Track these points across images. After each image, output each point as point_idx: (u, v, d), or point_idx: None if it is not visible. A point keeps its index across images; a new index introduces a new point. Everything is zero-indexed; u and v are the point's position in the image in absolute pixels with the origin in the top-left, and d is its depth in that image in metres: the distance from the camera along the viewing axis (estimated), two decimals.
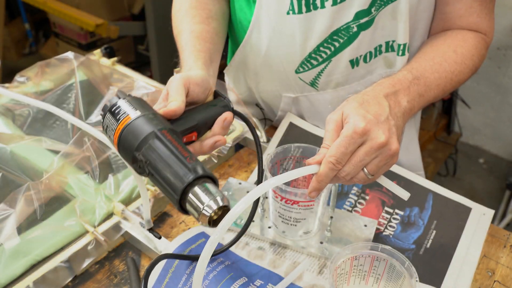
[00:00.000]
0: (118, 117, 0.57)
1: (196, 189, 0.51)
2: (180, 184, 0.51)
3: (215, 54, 0.80)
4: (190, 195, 0.51)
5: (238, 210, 0.50)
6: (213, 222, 0.51)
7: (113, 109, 0.58)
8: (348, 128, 0.60)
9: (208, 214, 0.50)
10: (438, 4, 0.84)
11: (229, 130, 0.93)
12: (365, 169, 0.61)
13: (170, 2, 0.90)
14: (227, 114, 0.64)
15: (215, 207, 0.50)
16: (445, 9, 0.84)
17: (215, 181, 0.53)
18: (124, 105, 0.58)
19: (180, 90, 0.62)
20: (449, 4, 0.83)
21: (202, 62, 0.74)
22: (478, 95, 2.55)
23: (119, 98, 0.60)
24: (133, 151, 0.55)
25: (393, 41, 0.84)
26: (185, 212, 0.52)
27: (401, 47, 0.83)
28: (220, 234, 0.50)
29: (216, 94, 0.68)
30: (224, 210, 0.51)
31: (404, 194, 0.63)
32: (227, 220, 0.50)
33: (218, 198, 0.50)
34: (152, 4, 2.35)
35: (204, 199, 0.50)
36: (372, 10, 0.80)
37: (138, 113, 0.57)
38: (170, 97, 0.62)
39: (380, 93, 0.65)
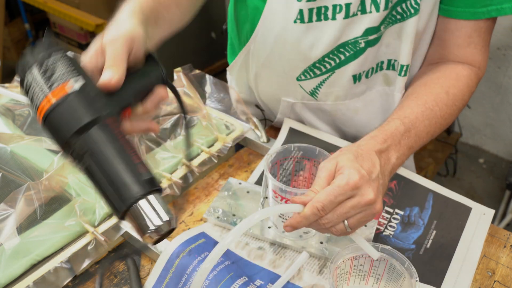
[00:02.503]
0: (52, 79, 0.45)
1: (143, 203, 0.44)
2: (128, 197, 0.43)
3: (163, 21, 0.71)
4: (135, 209, 0.44)
5: (227, 243, 0.52)
6: (157, 240, 0.46)
7: (44, 63, 0.45)
8: (341, 179, 0.60)
9: (154, 238, 0.45)
10: (437, 30, 0.85)
11: (228, 131, 0.93)
12: (346, 221, 0.61)
13: None
14: (163, 92, 0.57)
15: (159, 223, 0.44)
16: (444, 36, 0.84)
17: (160, 191, 0.47)
18: (62, 64, 0.46)
19: (121, 57, 0.53)
20: (449, 31, 0.83)
21: (141, 19, 0.62)
22: (478, 95, 2.55)
23: (53, 49, 0.47)
24: (67, 135, 0.44)
25: (395, 61, 0.85)
26: (123, 219, 0.45)
27: (404, 68, 0.84)
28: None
29: (149, 56, 0.58)
30: (170, 228, 0.45)
31: (375, 254, 0.63)
32: (217, 252, 0.51)
33: (163, 215, 0.45)
34: None
35: (151, 218, 0.44)
36: (381, 27, 0.80)
37: (79, 82, 0.45)
38: (108, 63, 0.52)
39: (373, 148, 0.66)
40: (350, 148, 0.66)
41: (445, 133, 2.72)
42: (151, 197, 0.44)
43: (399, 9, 0.79)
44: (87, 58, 0.54)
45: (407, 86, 0.87)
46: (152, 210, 0.44)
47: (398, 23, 0.80)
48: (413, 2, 0.77)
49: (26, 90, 0.47)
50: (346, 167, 0.61)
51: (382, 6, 0.77)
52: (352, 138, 0.96)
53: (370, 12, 0.77)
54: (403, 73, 0.85)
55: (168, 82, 0.57)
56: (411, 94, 0.80)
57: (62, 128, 0.44)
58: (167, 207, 0.45)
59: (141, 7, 0.65)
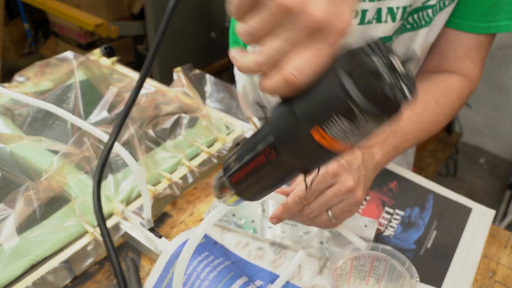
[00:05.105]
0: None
1: None
2: None
3: None
4: None
5: (203, 229, 0.52)
6: None
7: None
8: (321, 168, 0.61)
9: None
10: (438, 39, 0.85)
11: (228, 131, 0.93)
12: (329, 211, 0.62)
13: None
14: None
15: None
16: (443, 46, 0.84)
17: None
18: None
19: None
20: (449, 42, 0.83)
21: None
22: (479, 95, 2.55)
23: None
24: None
25: None
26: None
27: None
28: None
29: None
30: None
31: (362, 245, 0.64)
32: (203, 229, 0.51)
33: None
34: (152, 4, 2.35)
35: None
36: (393, 37, 0.80)
37: None
38: None
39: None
40: None
41: (445, 133, 2.72)
42: None
43: (410, 19, 0.79)
44: None
45: None
46: None
47: (408, 32, 0.80)
48: (426, 14, 0.77)
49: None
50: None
51: (398, 16, 0.76)
52: None
53: (386, 21, 0.77)
54: None
55: None
56: None
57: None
58: None
59: None
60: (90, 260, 0.70)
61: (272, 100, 0.99)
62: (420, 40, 0.80)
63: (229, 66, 1.18)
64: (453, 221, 0.79)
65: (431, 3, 0.77)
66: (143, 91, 0.97)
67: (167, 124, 0.91)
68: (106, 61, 1.10)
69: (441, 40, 0.84)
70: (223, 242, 0.73)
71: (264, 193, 0.45)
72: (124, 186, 0.79)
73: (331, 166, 0.61)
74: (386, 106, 0.34)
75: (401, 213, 0.81)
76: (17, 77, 1.02)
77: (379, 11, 0.76)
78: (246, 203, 0.79)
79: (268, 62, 0.36)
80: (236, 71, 1.07)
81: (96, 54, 1.12)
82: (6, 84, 1.00)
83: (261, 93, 1.00)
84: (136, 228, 0.74)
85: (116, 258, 0.61)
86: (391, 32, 0.78)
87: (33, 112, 0.94)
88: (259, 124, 0.95)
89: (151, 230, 0.73)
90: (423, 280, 0.70)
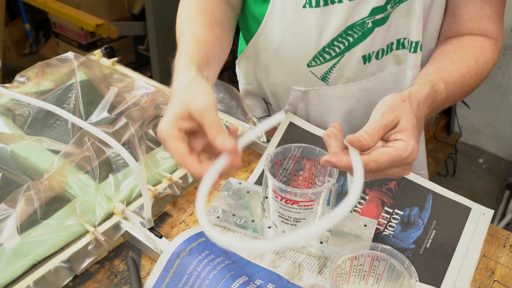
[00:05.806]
0: None
1: None
2: None
3: (213, 59, 0.77)
4: None
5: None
6: None
7: None
8: (405, 151, 0.61)
9: None
10: (449, 6, 0.85)
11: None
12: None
13: (170, 2, 0.90)
14: None
15: None
16: (456, 11, 0.85)
17: None
18: None
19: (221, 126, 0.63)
20: (460, 6, 0.84)
21: (197, 64, 0.70)
22: (478, 95, 2.55)
23: None
24: None
25: (405, 39, 0.86)
26: None
27: (413, 44, 0.85)
28: None
29: None
30: None
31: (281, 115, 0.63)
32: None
33: None
34: (152, 4, 2.35)
35: None
36: (388, 7, 0.81)
37: None
38: (217, 131, 0.62)
39: (423, 114, 0.68)
40: (412, 107, 0.66)
41: (444, 133, 2.73)
42: None
43: None
44: (175, 129, 0.61)
45: (423, 65, 0.86)
46: None
47: (405, 2, 0.81)
48: None
49: None
50: (410, 138, 0.61)
51: None
52: (356, 127, 0.97)
53: None
54: (413, 49, 0.85)
55: None
56: (445, 58, 0.81)
57: None
58: None
59: (192, 60, 0.70)
60: (90, 260, 0.71)
61: (279, 95, 0.99)
62: (417, 7, 0.80)
63: (229, 66, 1.19)
64: (452, 221, 0.79)
65: None
66: (143, 91, 0.97)
67: None
68: (106, 62, 1.11)
69: (453, 6, 0.85)
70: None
71: None
72: (124, 186, 0.80)
73: (412, 156, 0.61)
74: None
75: (400, 212, 0.81)
76: (18, 77, 1.02)
77: None
78: (246, 203, 0.80)
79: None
80: (238, 71, 1.07)
81: (97, 55, 1.12)
82: (7, 84, 1.00)
83: (266, 89, 1.00)
84: (136, 227, 0.74)
85: None
86: (383, 1, 0.79)
87: (33, 112, 0.94)
88: (259, 124, 0.95)
89: (151, 229, 0.74)
90: (422, 279, 0.70)
